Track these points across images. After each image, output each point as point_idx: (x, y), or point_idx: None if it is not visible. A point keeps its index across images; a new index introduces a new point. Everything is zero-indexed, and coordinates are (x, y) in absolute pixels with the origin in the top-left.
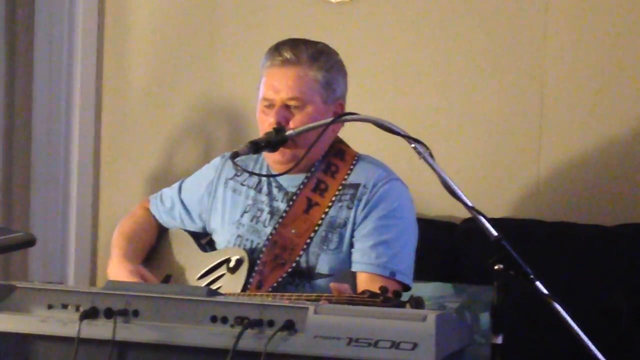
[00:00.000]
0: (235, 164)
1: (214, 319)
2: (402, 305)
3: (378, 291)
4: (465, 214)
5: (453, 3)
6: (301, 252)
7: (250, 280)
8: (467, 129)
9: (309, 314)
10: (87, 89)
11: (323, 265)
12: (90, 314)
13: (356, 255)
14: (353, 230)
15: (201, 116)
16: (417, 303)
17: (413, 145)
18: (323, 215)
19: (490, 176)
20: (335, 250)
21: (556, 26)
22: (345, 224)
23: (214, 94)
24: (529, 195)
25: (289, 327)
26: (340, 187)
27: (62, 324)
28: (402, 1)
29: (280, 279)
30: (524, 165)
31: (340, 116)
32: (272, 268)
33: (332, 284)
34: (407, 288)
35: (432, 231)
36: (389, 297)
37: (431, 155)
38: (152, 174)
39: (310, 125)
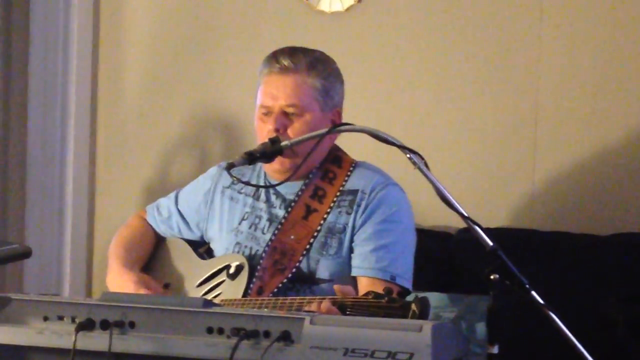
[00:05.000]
0: (231, 175)
1: (210, 330)
2: (408, 305)
3: (382, 292)
4: (460, 224)
5: (447, 13)
6: (301, 258)
7: (251, 286)
8: (462, 139)
9: (305, 325)
10: (83, 99)
11: (323, 270)
12: (86, 326)
13: (356, 260)
14: (352, 235)
15: (196, 127)
16: (423, 303)
17: (408, 155)
18: (322, 221)
19: (486, 186)
20: (334, 255)
21: (551, 36)
22: (344, 229)
23: (209, 105)
24: (524, 205)
25: (285, 338)
26: (338, 193)
27: (58, 335)
28: (396, 12)
29: (280, 285)
30: (519, 175)
31: (336, 126)
32: (272, 274)
33: (336, 286)
34: (407, 292)
35: (427, 241)
36: (394, 298)
37: (426, 166)
38: (147, 185)
39: (305, 136)
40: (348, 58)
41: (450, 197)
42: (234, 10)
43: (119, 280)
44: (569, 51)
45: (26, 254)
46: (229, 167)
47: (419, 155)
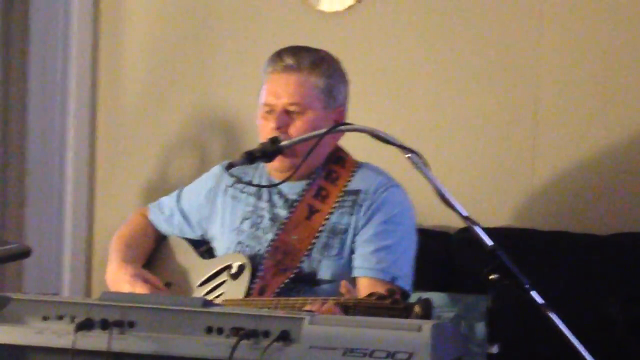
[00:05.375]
0: (231, 175)
1: (209, 330)
2: (411, 307)
3: (385, 294)
4: (460, 224)
5: (447, 12)
6: (303, 258)
7: (253, 286)
8: (462, 138)
9: (305, 325)
10: (82, 99)
11: (325, 271)
12: (85, 325)
13: (357, 261)
14: (354, 236)
15: (196, 127)
16: (426, 304)
17: (408, 155)
18: (324, 222)
19: (485, 186)
20: (336, 256)
21: (551, 35)
22: (346, 230)
23: (208, 105)
24: (524, 204)
25: (285, 337)
26: (341, 194)
27: (58, 335)
28: (396, 11)
29: (282, 285)
30: (518, 174)
31: (335, 126)
32: (274, 274)
33: (344, 282)
34: (406, 294)
35: (427, 241)
36: (398, 300)
37: (426, 165)
38: (147, 185)
39: (305, 136)
40: (347, 58)
41: (450, 197)
42: (234, 10)
43: (117, 274)
44: (569, 51)
45: (25, 253)
46: (229, 166)
47: (418, 154)
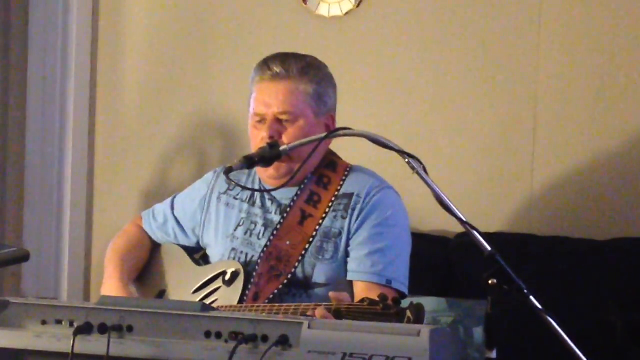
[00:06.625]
0: (229, 179)
1: (208, 334)
2: (402, 312)
3: (377, 299)
4: (459, 229)
5: (446, 19)
6: (297, 264)
7: (247, 292)
8: (461, 144)
9: (304, 329)
10: (81, 103)
11: (319, 275)
12: (84, 330)
13: (352, 265)
14: (348, 240)
15: (194, 131)
16: (417, 309)
17: (407, 160)
18: (317, 227)
19: (484, 191)
20: (330, 260)
21: (549, 41)
22: (340, 234)
23: (207, 109)
24: (523, 210)
25: (283, 342)
26: (333, 198)
27: (56, 339)
28: (394, 16)
29: (276, 291)
30: (517, 180)
31: (335, 131)
32: (268, 280)
33: (331, 293)
34: (403, 296)
35: (426, 246)
36: (389, 305)
37: (425, 171)
38: (146, 190)
39: (305, 140)
40: (347, 62)
41: (449, 202)
42: (233, 15)
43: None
44: (568, 57)
45: (24, 257)
46: (227, 171)
47: (418, 160)
